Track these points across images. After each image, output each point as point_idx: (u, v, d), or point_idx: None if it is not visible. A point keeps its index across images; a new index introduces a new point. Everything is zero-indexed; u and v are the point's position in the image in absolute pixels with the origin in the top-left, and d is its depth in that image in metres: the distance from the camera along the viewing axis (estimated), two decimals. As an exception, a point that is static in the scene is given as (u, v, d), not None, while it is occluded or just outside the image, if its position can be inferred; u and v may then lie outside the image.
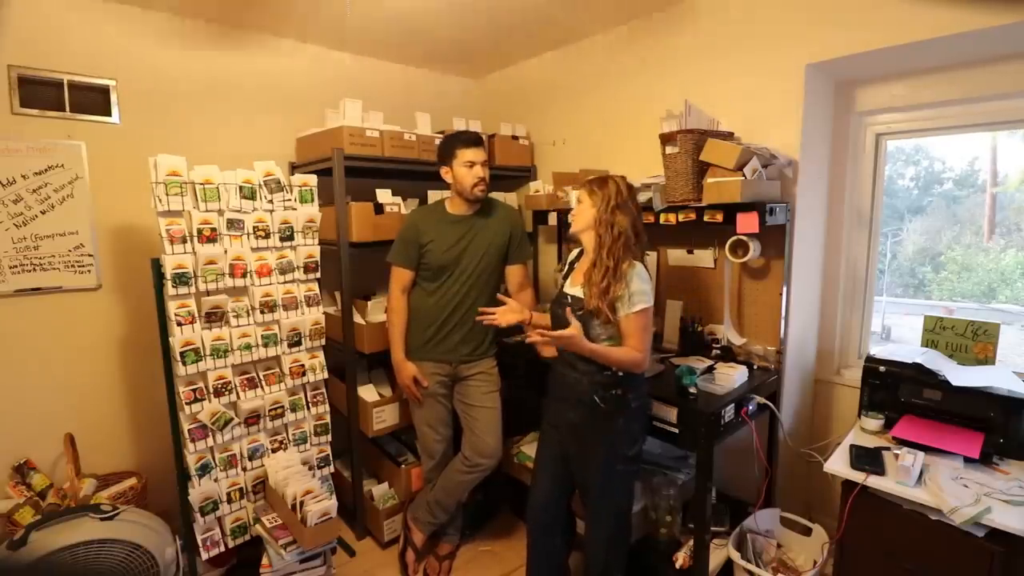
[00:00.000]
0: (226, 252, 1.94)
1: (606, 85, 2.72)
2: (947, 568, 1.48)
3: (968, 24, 1.65)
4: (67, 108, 2.20)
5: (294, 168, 2.70)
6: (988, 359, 1.85)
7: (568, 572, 2.03)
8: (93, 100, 2.26)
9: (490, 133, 2.90)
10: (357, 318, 2.46)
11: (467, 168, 2.07)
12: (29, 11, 2.11)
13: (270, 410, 2.10)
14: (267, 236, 2.04)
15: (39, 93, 2.15)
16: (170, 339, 1.88)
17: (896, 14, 1.78)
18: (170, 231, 1.82)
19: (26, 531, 1.65)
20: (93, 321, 2.33)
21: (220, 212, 1.93)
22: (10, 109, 2.10)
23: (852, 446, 1.74)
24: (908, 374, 1.83)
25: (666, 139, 2.05)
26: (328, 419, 2.31)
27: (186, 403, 1.89)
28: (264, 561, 1.92)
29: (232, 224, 1.95)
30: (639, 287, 1.58)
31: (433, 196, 2.56)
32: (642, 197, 2.15)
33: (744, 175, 1.86)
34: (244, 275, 1.99)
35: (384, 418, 2.46)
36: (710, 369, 1.98)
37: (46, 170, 2.16)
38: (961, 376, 1.73)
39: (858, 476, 1.61)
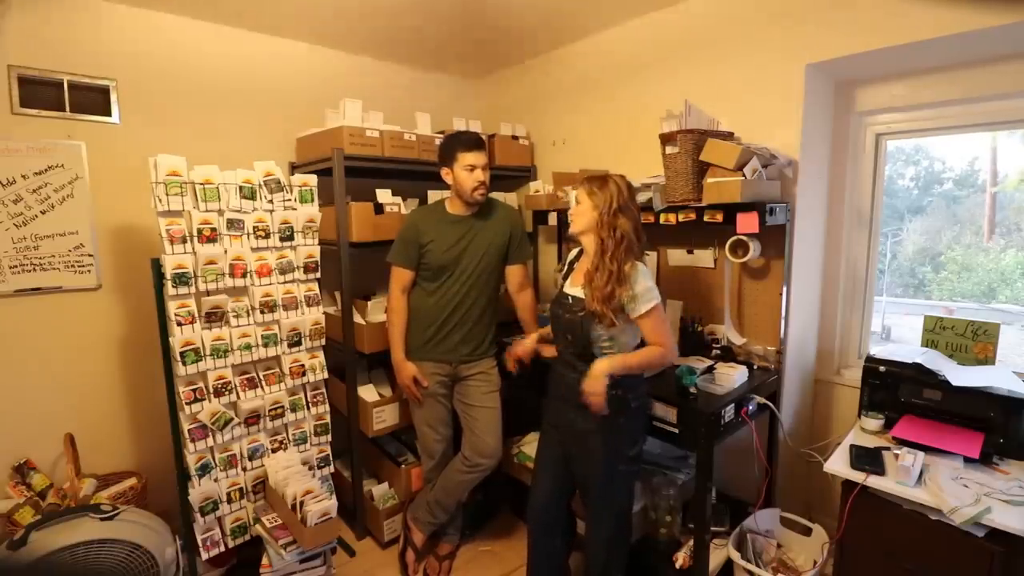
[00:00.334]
0: (226, 252, 1.94)
1: (606, 85, 2.72)
2: (947, 568, 1.48)
3: (968, 24, 1.65)
4: (67, 108, 2.20)
5: (294, 168, 2.70)
6: (988, 359, 1.85)
7: (568, 572, 2.03)
8: (93, 100, 2.26)
9: (490, 133, 2.90)
10: (357, 318, 2.46)
11: (467, 172, 2.07)
12: (29, 11, 2.11)
13: (270, 410, 2.10)
14: (267, 236, 2.04)
15: (39, 93, 2.15)
16: (170, 339, 1.88)
17: (896, 14, 1.78)
18: (170, 231, 1.82)
19: (26, 531, 1.65)
20: (93, 321, 2.33)
21: (220, 212, 1.93)
22: (10, 109, 2.10)
23: (852, 446, 1.74)
24: (908, 374, 1.83)
25: (666, 139, 2.05)
26: (328, 419, 2.31)
27: (186, 403, 1.89)
28: (264, 561, 1.92)
29: (232, 224, 1.95)
30: (645, 286, 1.59)
31: (433, 196, 2.56)
32: (642, 197, 2.15)
33: (744, 175, 1.86)
34: (244, 275, 1.99)
35: (384, 418, 2.46)
36: (710, 369, 1.98)
37: (46, 170, 2.16)
38: (961, 376, 1.73)
39: (858, 476, 1.61)
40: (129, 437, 2.46)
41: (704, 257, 2.34)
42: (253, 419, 2.07)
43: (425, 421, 2.23)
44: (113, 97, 2.30)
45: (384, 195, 2.48)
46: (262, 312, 2.04)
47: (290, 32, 2.68)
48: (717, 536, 1.96)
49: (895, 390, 1.86)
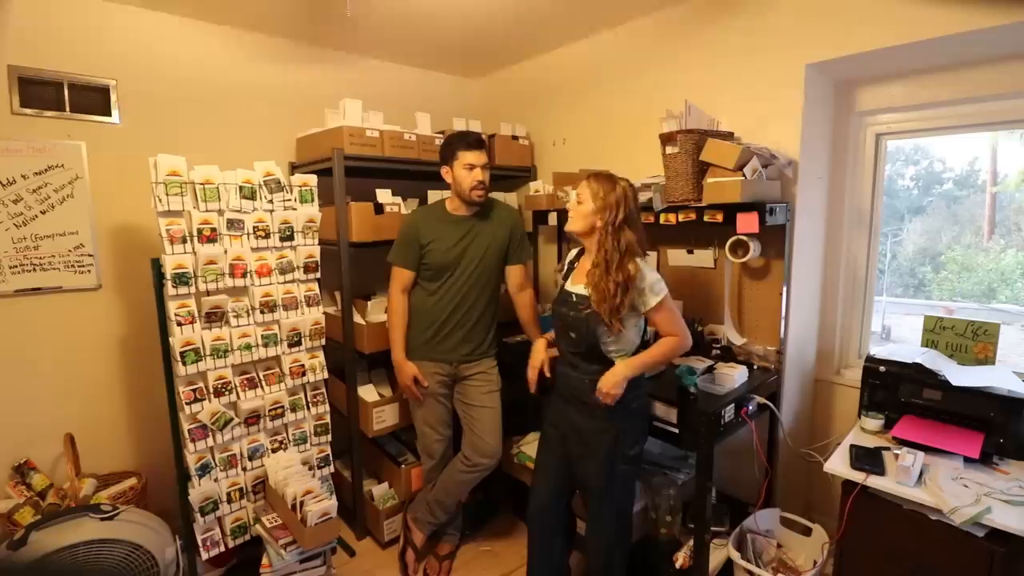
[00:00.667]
0: (226, 252, 1.94)
1: (606, 85, 2.72)
2: (947, 568, 1.48)
3: (968, 24, 1.65)
4: (67, 108, 2.20)
5: (294, 168, 2.70)
6: (988, 359, 1.85)
7: (569, 573, 2.03)
8: (93, 100, 2.26)
9: (490, 133, 2.90)
10: (357, 318, 2.46)
11: (467, 171, 2.07)
12: (29, 11, 2.11)
13: (270, 410, 2.10)
14: (267, 236, 2.04)
15: (39, 93, 2.15)
16: (170, 339, 1.88)
17: (896, 14, 1.78)
18: (170, 231, 1.82)
19: (26, 531, 1.65)
20: (93, 321, 2.33)
21: (220, 212, 1.93)
22: (10, 109, 2.10)
23: (852, 446, 1.74)
24: (908, 374, 1.83)
25: (666, 139, 2.05)
26: (328, 419, 2.31)
27: (186, 403, 1.89)
28: (264, 561, 1.92)
29: (232, 224, 1.95)
30: (652, 279, 1.61)
31: (433, 196, 2.56)
32: (642, 197, 2.14)
33: (744, 175, 1.86)
34: (244, 275, 1.99)
35: (384, 418, 2.46)
36: (710, 369, 1.98)
37: (46, 170, 2.16)
38: (961, 376, 1.73)
39: (858, 476, 1.61)
40: (129, 437, 2.46)
41: (704, 257, 2.34)
42: (253, 419, 2.07)
43: (425, 421, 2.23)
44: (113, 97, 2.30)
45: (384, 195, 2.48)
46: (262, 312, 2.04)
47: (290, 32, 2.68)
48: (717, 536, 1.96)
49: (895, 390, 1.86)
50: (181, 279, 1.84)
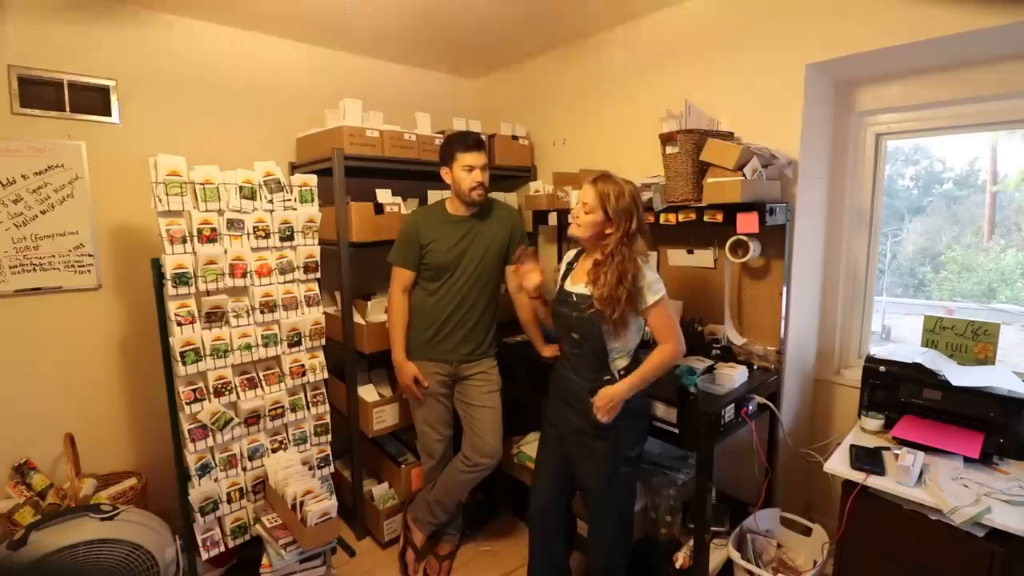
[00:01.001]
0: (226, 252, 1.94)
1: (606, 85, 2.72)
2: (947, 568, 1.48)
3: (968, 24, 1.65)
4: (67, 108, 2.20)
5: (294, 168, 2.70)
6: (988, 359, 1.85)
7: (569, 573, 2.03)
8: (93, 100, 2.26)
9: (490, 133, 2.90)
10: (357, 318, 2.46)
11: (466, 172, 2.07)
12: (29, 11, 2.11)
13: (270, 410, 2.10)
14: (267, 236, 2.04)
15: (39, 93, 2.15)
16: (170, 339, 1.88)
17: (896, 14, 1.78)
18: (170, 231, 1.82)
19: (26, 531, 1.65)
20: (93, 321, 2.33)
21: (220, 212, 1.93)
22: (10, 109, 2.10)
23: (852, 446, 1.74)
24: (908, 374, 1.83)
25: (666, 139, 2.05)
26: (328, 419, 2.31)
27: (186, 403, 1.89)
28: (264, 561, 1.92)
29: (232, 224, 1.95)
30: (651, 278, 1.60)
31: (433, 196, 2.56)
32: (642, 197, 2.14)
33: (744, 175, 1.86)
34: (244, 275, 1.99)
35: (384, 418, 2.46)
36: (710, 369, 1.98)
37: (46, 170, 2.16)
38: (961, 376, 1.73)
39: (858, 476, 1.61)
40: (129, 437, 2.46)
41: (704, 257, 2.34)
42: (253, 419, 2.07)
43: (425, 421, 2.23)
44: (113, 97, 2.30)
45: (384, 195, 2.48)
46: (262, 312, 2.04)
47: (290, 32, 2.68)
48: (717, 536, 1.96)
49: (895, 390, 1.86)
50: (181, 279, 1.84)
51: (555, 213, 2.62)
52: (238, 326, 2.00)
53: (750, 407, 1.87)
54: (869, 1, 1.84)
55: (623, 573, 1.81)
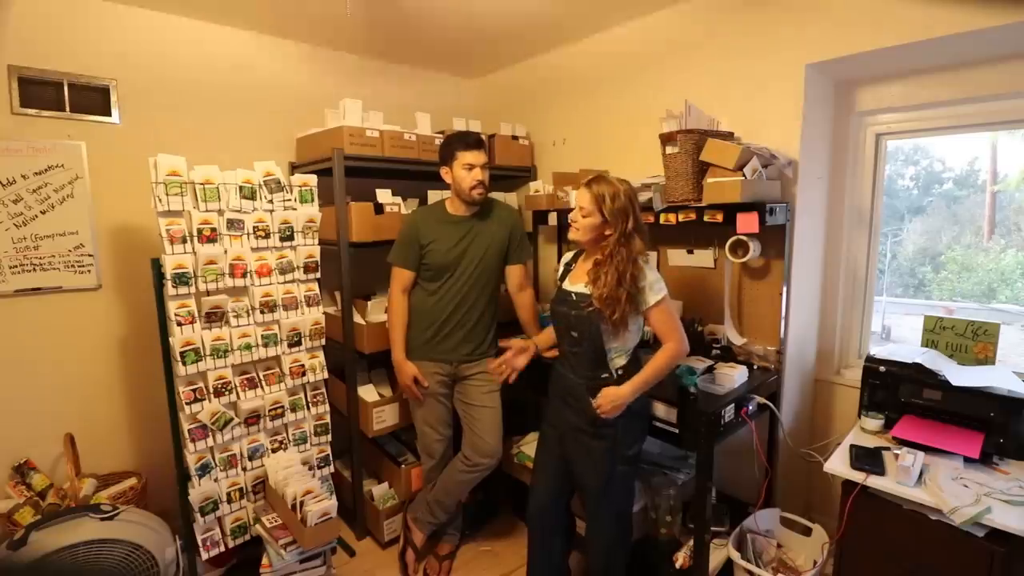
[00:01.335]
0: (226, 252, 1.94)
1: (606, 85, 2.72)
2: (947, 568, 1.48)
3: (968, 24, 1.65)
4: (67, 108, 2.20)
5: (294, 168, 2.70)
6: (988, 359, 1.85)
7: (568, 573, 2.03)
8: (93, 100, 2.26)
9: (490, 133, 2.90)
10: (357, 318, 2.46)
11: (466, 171, 2.07)
12: (29, 11, 2.11)
13: (270, 410, 2.10)
14: (267, 236, 2.04)
15: (39, 93, 2.15)
16: (170, 339, 1.88)
17: (896, 14, 1.78)
18: (170, 231, 1.82)
19: (26, 531, 1.65)
20: (93, 321, 2.33)
21: (220, 212, 1.93)
22: (10, 109, 2.10)
23: (852, 446, 1.74)
24: (908, 374, 1.83)
25: (666, 139, 2.05)
26: (328, 419, 2.31)
27: (186, 403, 1.89)
28: (264, 561, 1.92)
29: (232, 224, 1.95)
30: (652, 277, 1.60)
31: (433, 196, 2.57)
32: (642, 197, 2.14)
33: (744, 175, 1.86)
34: (244, 275, 1.99)
35: (384, 418, 2.46)
36: (710, 369, 1.98)
37: (46, 170, 2.16)
38: (961, 376, 1.73)
39: (858, 476, 1.61)
40: (129, 437, 2.46)
41: (704, 257, 2.34)
42: (253, 419, 2.07)
43: (425, 421, 2.23)
44: (113, 97, 2.30)
45: (384, 195, 2.48)
46: (262, 312, 2.04)
47: (291, 32, 2.68)
48: (717, 536, 1.96)
49: (895, 390, 1.86)
50: (181, 279, 1.84)
51: (555, 213, 2.62)
52: (238, 326, 2.00)
53: (750, 407, 1.87)
54: (869, 1, 1.83)
55: (622, 573, 1.81)
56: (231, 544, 2.08)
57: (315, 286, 2.20)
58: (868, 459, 1.65)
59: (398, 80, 3.15)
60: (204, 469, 1.98)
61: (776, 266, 2.13)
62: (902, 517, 1.54)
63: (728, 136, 2.11)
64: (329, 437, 2.32)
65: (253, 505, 2.11)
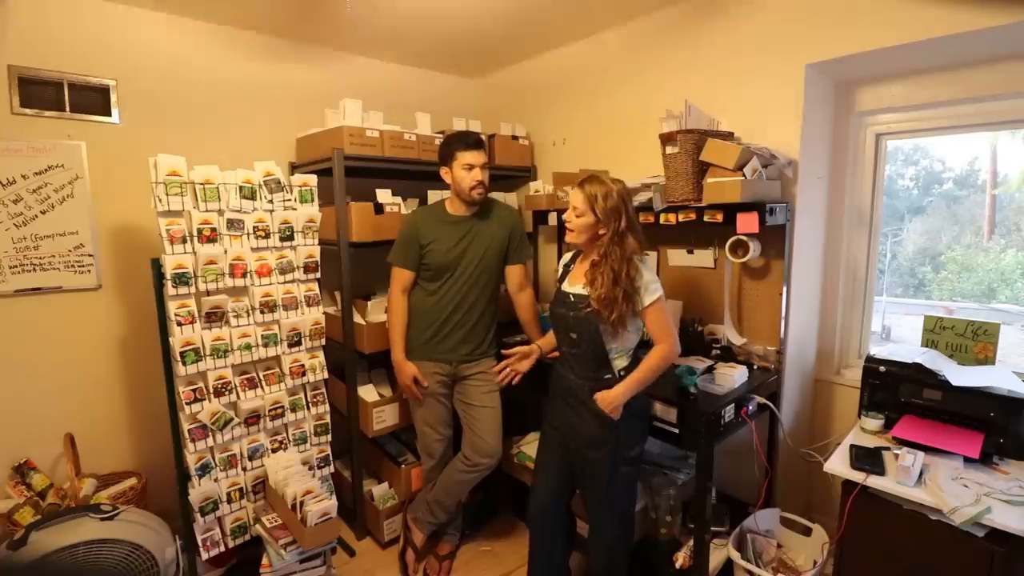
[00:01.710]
0: (226, 252, 1.94)
1: (606, 85, 2.72)
2: (947, 568, 1.48)
3: (968, 24, 1.65)
4: (67, 108, 2.20)
5: (294, 168, 2.70)
6: (988, 359, 1.85)
7: (569, 573, 2.03)
8: (93, 100, 2.26)
9: (490, 133, 2.90)
10: (357, 318, 2.46)
11: (466, 171, 2.07)
12: (29, 11, 2.11)
13: (270, 410, 2.10)
14: (267, 236, 2.04)
15: (39, 93, 2.15)
16: (170, 339, 1.88)
17: (896, 14, 1.78)
18: (170, 231, 1.82)
19: (26, 531, 1.65)
20: (93, 321, 2.33)
21: (220, 212, 1.93)
22: (10, 109, 2.10)
23: (852, 446, 1.74)
24: (908, 374, 1.83)
25: (666, 139, 2.05)
26: (328, 419, 2.31)
27: (186, 403, 1.89)
28: (264, 561, 1.92)
29: (232, 224, 1.95)
30: (648, 278, 1.60)
31: (433, 196, 2.57)
32: (642, 197, 2.15)
33: (744, 175, 1.86)
34: (244, 275, 1.99)
35: (384, 418, 2.46)
36: (710, 369, 1.98)
37: (46, 170, 2.16)
38: (961, 376, 1.73)
39: (858, 476, 1.61)
40: (129, 437, 2.46)
41: (704, 257, 2.34)
42: (253, 419, 2.07)
43: (425, 421, 2.23)
44: (113, 97, 2.30)
45: (384, 195, 2.48)
46: (262, 312, 2.04)
47: (290, 32, 2.68)
48: (717, 536, 1.96)
49: (895, 390, 1.86)
50: (181, 279, 1.84)
51: (555, 213, 2.62)
52: (238, 326, 2.00)
53: (750, 407, 1.87)
54: (869, 1, 1.84)
55: (624, 573, 1.81)
56: (231, 544, 2.08)
57: (315, 286, 2.19)
58: (868, 459, 1.65)
59: (398, 80, 3.15)
60: (204, 469, 1.98)
61: (776, 266, 2.13)
62: (902, 517, 1.54)
63: (728, 136, 2.11)
64: (329, 437, 2.32)
65: (253, 505, 2.11)
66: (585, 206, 1.62)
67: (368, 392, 2.50)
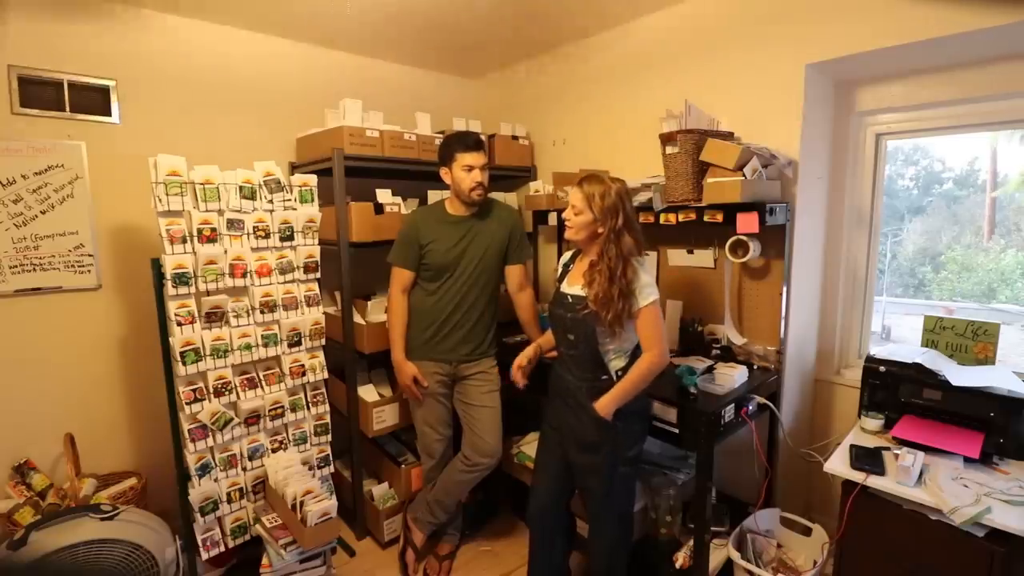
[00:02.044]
0: (226, 252, 1.94)
1: (606, 85, 2.72)
2: (947, 568, 1.48)
3: (968, 24, 1.65)
4: (67, 108, 2.20)
5: (294, 168, 2.70)
6: (988, 359, 1.85)
7: (569, 573, 2.03)
8: (93, 100, 2.26)
9: (490, 133, 2.90)
10: (357, 318, 2.46)
11: (465, 172, 2.07)
12: (29, 11, 2.11)
13: (270, 410, 2.10)
14: (267, 236, 2.04)
15: (39, 93, 2.15)
16: (170, 339, 1.88)
17: (896, 14, 1.78)
18: (170, 231, 1.82)
19: (26, 531, 1.65)
20: (93, 321, 2.33)
21: (220, 212, 1.93)
22: (10, 109, 2.10)
23: (852, 446, 1.74)
24: (908, 374, 1.83)
25: (666, 139, 2.05)
26: (328, 419, 2.31)
27: (186, 403, 1.89)
28: (264, 561, 1.92)
29: (232, 224, 1.95)
30: (644, 281, 1.59)
31: (433, 196, 2.57)
32: (642, 197, 2.15)
33: (744, 175, 1.86)
34: (244, 275, 1.99)
35: (384, 418, 2.46)
36: (710, 369, 1.98)
37: (46, 170, 2.16)
38: (961, 376, 1.73)
39: (858, 476, 1.61)
40: (129, 437, 2.46)
41: (704, 257, 2.34)
42: (253, 419, 2.07)
43: (425, 421, 2.23)
44: (113, 97, 2.30)
45: (384, 195, 2.48)
46: (262, 312, 2.04)
47: (290, 32, 2.68)
48: (717, 536, 1.96)
49: (895, 390, 1.86)
50: (181, 279, 1.84)
51: (555, 213, 2.62)
52: (238, 326, 2.00)
53: (750, 407, 1.87)
54: (869, 1, 1.83)
55: (623, 573, 1.81)
56: (231, 544, 2.08)
57: (315, 286, 2.19)
58: (868, 459, 1.65)
59: (398, 80, 3.15)
60: (204, 469, 1.98)
61: (776, 266, 2.13)
62: (902, 517, 1.54)
63: (728, 136, 2.11)
64: (329, 437, 2.32)
65: (253, 505, 2.11)
66: (583, 204, 1.62)
67: (368, 392, 2.50)
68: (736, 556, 1.87)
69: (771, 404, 2.00)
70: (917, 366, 1.81)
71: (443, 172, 2.13)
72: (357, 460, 2.49)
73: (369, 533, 2.55)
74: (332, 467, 2.35)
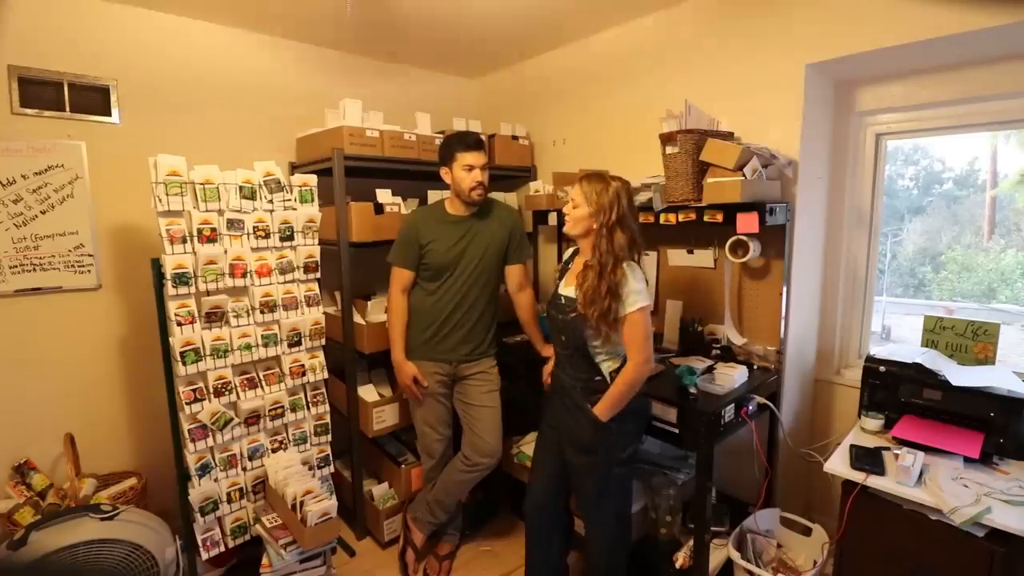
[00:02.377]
0: (226, 252, 1.94)
1: (606, 85, 2.72)
2: (947, 568, 1.48)
3: (968, 24, 1.65)
4: (67, 108, 2.20)
5: (294, 168, 2.70)
6: (988, 359, 1.85)
7: (567, 571, 2.03)
8: (93, 100, 2.26)
9: (490, 133, 2.90)
10: (357, 318, 2.46)
11: (466, 172, 2.07)
12: (29, 11, 2.11)
13: (270, 410, 2.10)
14: (267, 236, 2.04)
15: (39, 93, 2.15)
16: (170, 339, 1.88)
17: (896, 14, 1.78)
18: (170, 231, 1.82)
19: (26, 531, 1.65)
20: (93, 321, 2.33)
21: (220, 212, 1.93)
22: (10, 109, 2.10)
23: (852, 446, 1.74)
24: (908, 374, 1.83)
25: (666, 139, 2.05)
26: (328, 419, 2.31)
27: (186, 403, 1.89)
28: (264, 561, 1.92)
29: (232, 224, 1.95)
30: (634, 287, 1.57)
31: (433, 196, 2.57)
32: (642, 197, 2.15)
33: (744, 175, 1.86)
34: (244, 275, 1.99)
35: (384, 418, 2.46)
36: (710, 369, 1.98)
37: (46, 170, 2.16)
38: (961, 376, 1.73)
39: (858, 476, 1.61)
40: (129, 437, 2.46)
41: (704, 257, 2.34)
42: (253, 419, 2.07)
43: (425, 421, 2.23)
44: (113, 97, 2.30)
45: (384, 195, 2.48)
46: (262, 312, 2.04)
47: (291, 32, 2.68)
48: (717, 536, 1.96)
49: (895, 390, 1.86)
50: (181, 279, 1.84)
51: (555, 213, 2.62)
52: (238, 326, 2.00)
53: (750, 407, 1.87)
54: (869, 1, 1.83)
55: (623, 573, 1.81)
56: (231, 544, 2.08)
57: (315, 286, 2.19)
58: (868, 459, 1.65)
59: (398, 80, 3.15)
60: (204, 469, 1.98)
61: (776, 266, 2.13)
62: (902, 517, 1.54)
63: (728, 136, 2.11)
64: (329, 437, 2.32)
65: (253, 505, 2.11)
66: (582, 199, 1.63)
67: (368, 392, 2.50)
68: (736, 556, 1.87)
69: (771, 404, 2.00)
70: (917, 366, 1.81)
71: (443, 172, 2.13)
72: (357, 460, 2.49)
73: (369, 533, 2.55)
74: (332, 467, 2.35)
